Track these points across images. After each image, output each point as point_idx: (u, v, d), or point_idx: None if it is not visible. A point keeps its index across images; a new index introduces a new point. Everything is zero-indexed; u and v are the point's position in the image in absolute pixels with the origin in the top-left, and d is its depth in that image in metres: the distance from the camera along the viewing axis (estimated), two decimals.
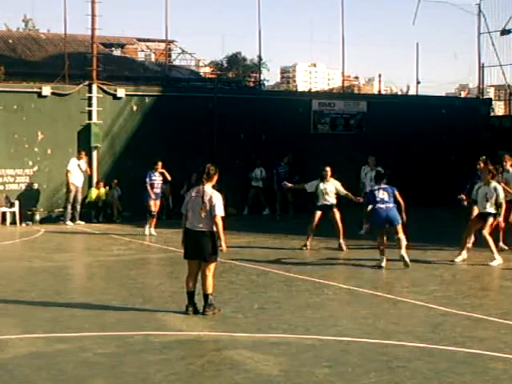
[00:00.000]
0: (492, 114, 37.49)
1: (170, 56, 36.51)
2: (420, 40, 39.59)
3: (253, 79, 44.35)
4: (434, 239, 20.09)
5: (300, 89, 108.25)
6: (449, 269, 15.84)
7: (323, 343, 9.92)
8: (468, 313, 11.71)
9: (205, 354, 9.41)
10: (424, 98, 34.00)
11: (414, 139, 30.28)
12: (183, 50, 40.30)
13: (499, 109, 47.79)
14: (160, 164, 21.86)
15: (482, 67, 36.19)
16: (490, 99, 38.43)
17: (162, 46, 35.53)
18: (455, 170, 28.67)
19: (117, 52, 40.59)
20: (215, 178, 11.52)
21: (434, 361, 9.18)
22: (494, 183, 16.45)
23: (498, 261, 16.02)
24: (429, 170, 30.35)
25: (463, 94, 59.84)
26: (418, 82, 35.63)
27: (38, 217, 25.11)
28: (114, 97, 26.76)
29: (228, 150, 27.21)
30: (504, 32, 35.70)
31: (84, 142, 25.99)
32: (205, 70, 44.85)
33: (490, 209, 16.44)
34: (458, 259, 16.40)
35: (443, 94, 47.50)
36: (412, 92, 38.70)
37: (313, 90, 69.47)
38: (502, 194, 16.39)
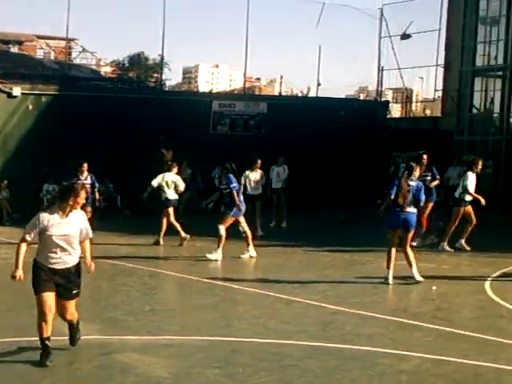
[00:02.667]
0: (389, 116, 38.21)
1: (70, 54, 36.02)
2: (322, 42, 39.96)
3: (154, 79, 44.10)
4: (331, 240, 20.31)
5: (202, 89, 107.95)
6: (340, 269, 16.09)
7: (214, 344, 9.94)
8: (358, 311, 11.90)
9: (94, 359, 9.25)
10: (323, 100, 34.36)
11: (312, 140, 30.54)
12: (84, 49, 39.79)
13: (396, 111, 48.69)
14: (86, 166, 20.07)
15: (381, 70, 36.83)
16: (388, 101, 39.14)
17: (63, 43, 35.00)
18: (352, 171, 29.12)
19: (14, 49, 39.77)
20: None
21: (324, 358, 9.31)
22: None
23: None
24: (326, 170, 30.67)
25: (362, 96, 60.62)
26: (319, 84, 36.05)
27: None
28: (9, 95, 26.21)
29: (127, 150, 26.95)
30: (404, 36, 36.41)
31: None
32: (106, 70, 44.39)
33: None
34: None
35: (343, 96, 48.07)
36: (312, 94, 39.01)
37: (214, 91, 69.30)
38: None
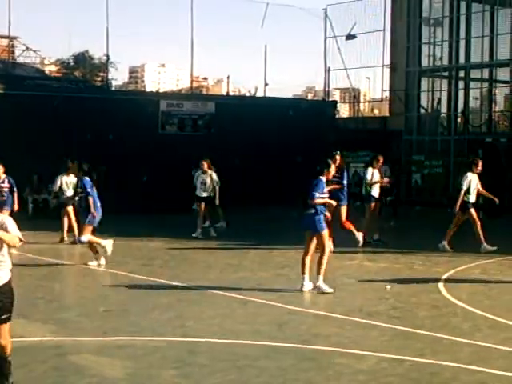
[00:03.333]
0: (337, 115, 38.41)
1: (13, 53, 35.53)
2: (269, 42, 40.02)
3: (100, 78, 43.76)
4: (281, 239, 20.29)
5: (149, 89, 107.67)
6: (294, 268, 16.04)
7: (170, 345, 9.83)
8: (314, 310, 11.89)
9: (47, 360, 9.05)
10: (272, 100, 34.43)
11: (261, 140, 30.58)
12: (27, 47, 39.31)
13: (344, 111, 48.99)
14: (1, 169, 19.46)
15: (328, 70, 37.01)
16: (336, 101, 39.37)
17: (5, 42, 34.52)
18: (300, 170, 29.13)
19: None
20: None
21: (281, 358, 9.25)
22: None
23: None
24: (275, 169, 30.71)
25: (310, 96, 60.95)
26: (266, 84, 36.15)
27: None
28: None
29: (74, 150, 26.64)
30: (349, 37, 36.67)
31: None
32: (50, 68, 43.92)
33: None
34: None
35: (291, 96, 48.23)
36: (260, 94, 39.09)
37: (161, 91, 69.06)
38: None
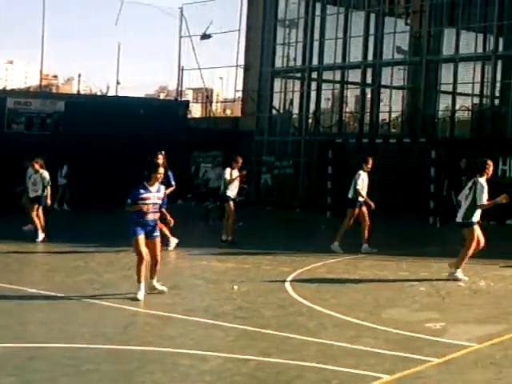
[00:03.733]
0: (189, 115, 38.36)
1: None
2: (123, 40, 39.67)
3: None
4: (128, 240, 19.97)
5: None
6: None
7: (9, 351, 9.45)
8: (158, 312, 11.70)
9: None
10: (123, 99, 34.06)
11: (112, 139, 30.16)
12: None
13: (196, 111, 48.99)
14: None
15: (181, 70, 36.92)
16: (188, 101, 39.33)
17: None
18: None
19: None
20: None
21: (125, 361, 9.08)
22: None
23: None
24: (125, 169, 30.33)
25: (162, 96, 60.71)
26: (118, 83, 35.76)
27: None
28: None
29: None
30: (204, 36, 36.70)
31: None
32: None
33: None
34: None
35: (143, 95, 47.88)
36: (112, 93, 38.65)
37: (9, 88, 67.33)
38: None
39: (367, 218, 18.54)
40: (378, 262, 17.02)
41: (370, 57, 31.27)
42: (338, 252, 18.13)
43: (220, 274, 15.52)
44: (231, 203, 19.71)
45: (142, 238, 12.78)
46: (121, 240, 19.92)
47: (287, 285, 14.05)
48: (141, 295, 12.61)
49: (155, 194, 12.98)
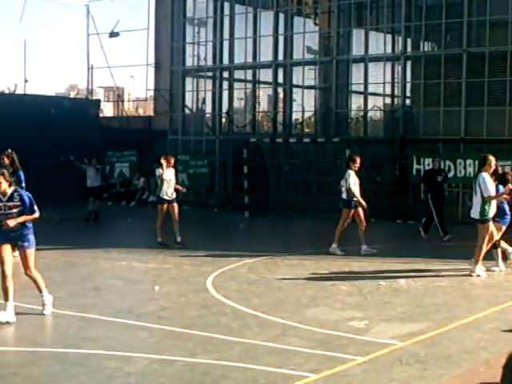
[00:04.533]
0: (101, 114, 37.99)
1: None
2: (28, 38, 39.02)
3: None
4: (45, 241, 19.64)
5: None
6: (61, 270, 15.65)
7: None
8: (81, 313, 11.55)
9: None
10: (33, 98, 33.47)
11: (21, 139, 29.55)
12: None
13: (108, 110, 48.58)
14: None
15: (91, 68, 36.53)
16: (99, 100, 38.92)
17: None
18: (67, 170, 28.56)
19: None
20: None
21: (47, 364, 8.94)
22: None
23: None
24: (36, 169, 29.80)
25: (73, 94, 59.97)
26: (26, 81, 35.18)
27: None
28: None
29: None
30: (112, 34, 36.38)
31: None
32: None
33: None
34: None
35: (53, 94, 47.28)
36: (20, 91, 37.99)
37: None
38: None
39: (363, 219, 18.23)
40: (299, 261, 17.08)
41: (281, 56, 31.39)
42: (337, 254, 17.86)
43: (140, 274, 15.42)
44: (164, 206, 19.07)
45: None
46: (38, 240, 19.63)
47: (209, 285, 14.00)
48: (5, 317, 10.93)
49: (7, 204, 11.12)
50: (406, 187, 26.75)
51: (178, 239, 19.05)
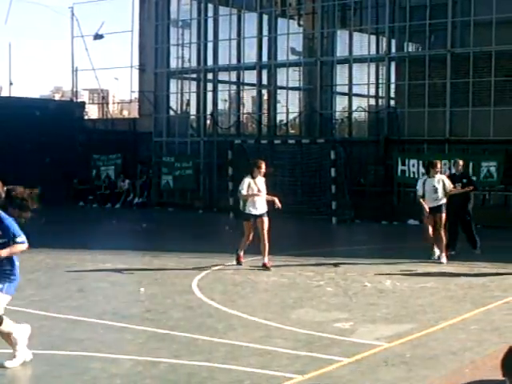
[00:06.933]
0: (86, 117, 37.94)
1: None
2: (14, 41, 38.95)
3: None
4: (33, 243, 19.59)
5: None
6: (46, 273, 15.60)
7: None
8: (66, 315, 11.54)
9: None
10: (17, 100, 33.40)
11: (6, 141, 29.53)
12: None
13: (93, 112, 48.48)
14: None
15: (75, 70, 36.44)
16: (84, 102, 38.92)
17: None
18: (52, 172, 28.54)
19: None
20: None
21: (33, 366, 8.92)
22: None
23: None
24: (22, 171, 29.74)
25: (58, 97, 59.83)
26: (11, 83, 35.09)
27: None
28: None
29: None
30: (97, 36, 36.33)
31: None
32: None
33: None
34: None
35: (38, 96, 47.14)
36: (5, 93, 37.89)
37: None
38: None
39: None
40: (284, 262, 17.10)
41: (265, 58, 31.40)
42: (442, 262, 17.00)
43: (126, 276, 15.37)
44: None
45: None
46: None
47: (194, 286, 14.00)
48: None
49: None
50: (391, 188, 26.82)
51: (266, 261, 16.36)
